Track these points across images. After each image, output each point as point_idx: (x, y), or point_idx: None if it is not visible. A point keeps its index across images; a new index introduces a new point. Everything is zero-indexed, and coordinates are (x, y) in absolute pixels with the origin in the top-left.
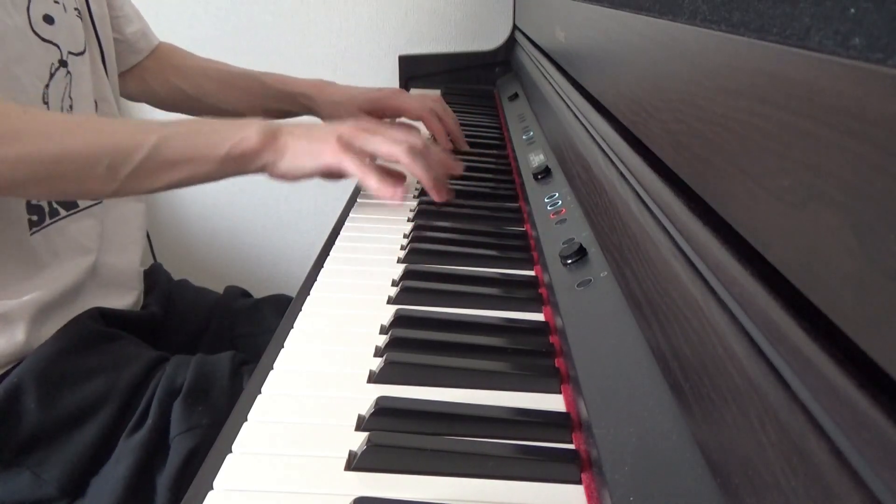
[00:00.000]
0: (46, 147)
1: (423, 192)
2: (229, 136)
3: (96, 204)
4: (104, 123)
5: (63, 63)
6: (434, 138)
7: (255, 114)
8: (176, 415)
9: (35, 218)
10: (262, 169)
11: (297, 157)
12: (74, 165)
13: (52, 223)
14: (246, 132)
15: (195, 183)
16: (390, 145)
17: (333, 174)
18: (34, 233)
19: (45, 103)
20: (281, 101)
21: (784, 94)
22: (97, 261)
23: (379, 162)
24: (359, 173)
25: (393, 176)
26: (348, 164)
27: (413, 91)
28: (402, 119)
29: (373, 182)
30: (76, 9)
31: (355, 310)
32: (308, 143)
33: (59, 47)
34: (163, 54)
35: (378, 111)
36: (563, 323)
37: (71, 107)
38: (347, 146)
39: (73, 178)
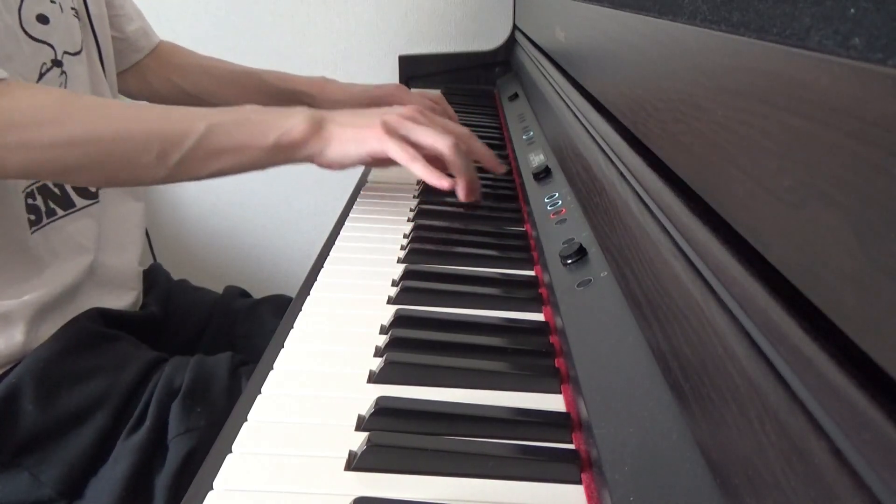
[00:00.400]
0: (99, 129)
1: (422, 192)
2: (277, 125)
3: (93, 203)
4: (153, 109)
5: (57, 63)
6: None
7: None
8: (174, 416)
9: (33, 217)
10: (308, 158)
11: (342, 145)
12: (126, 149)
13: (49, 223)
14: (293, 121)
15: (242, 171)
16: (435, 136)
17: (379, 161)
18: (34, 231)
19: None
20: (281, 99)
21: (784, 94)
22: (95, 261)
23: None
24: (404, 159)
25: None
26: (393, 149)
27: (413, 90)
28: None
29: (419, 168)
30: (73, 8)
31: (355, 310)
32: (353, 130)
33: (53, 47)
34: (163, 53)
35: None
36: (563, 323)
37: None
38: (392, 131)
39: (124, 163)
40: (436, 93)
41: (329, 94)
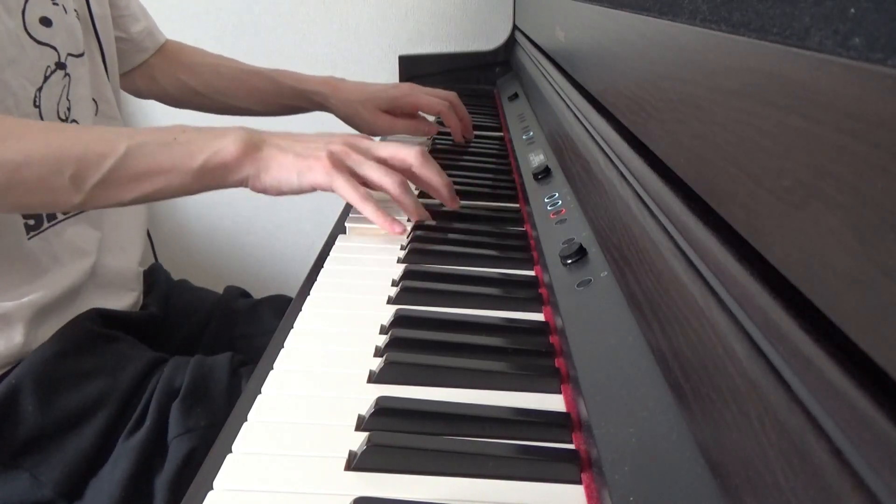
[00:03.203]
0: (3, 153)
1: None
2: (206, 146)
3: None
4: (71, 129)
5: (61, 65)
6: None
7: (268, 111)
8: (174, 416)
9: (32, 222)
10: (242, 182)
11: (281, 171)
12: (35, 173)
13: (49, 227)
14: (224, 142)
15: (170, 196)
16: (381, 175)
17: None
18: (32, 237)
19: (37, 107)
20: (294, 98)
21: (784, 94)
22: (97, 263)
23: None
24: (354, 199)
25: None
26: (342, 186)
27: (427, 88)
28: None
29: (370, 210)
30: (76, 10)
31: (355, 310)
32: (295, 158)
33: (56, 49)
34: (171, 52)
35: (396, 109)
36: (563, 323)
37: (69, 108)
38: (339, 164)
39: (34, 188)
40: (450, 93)
41: (343, 93)
